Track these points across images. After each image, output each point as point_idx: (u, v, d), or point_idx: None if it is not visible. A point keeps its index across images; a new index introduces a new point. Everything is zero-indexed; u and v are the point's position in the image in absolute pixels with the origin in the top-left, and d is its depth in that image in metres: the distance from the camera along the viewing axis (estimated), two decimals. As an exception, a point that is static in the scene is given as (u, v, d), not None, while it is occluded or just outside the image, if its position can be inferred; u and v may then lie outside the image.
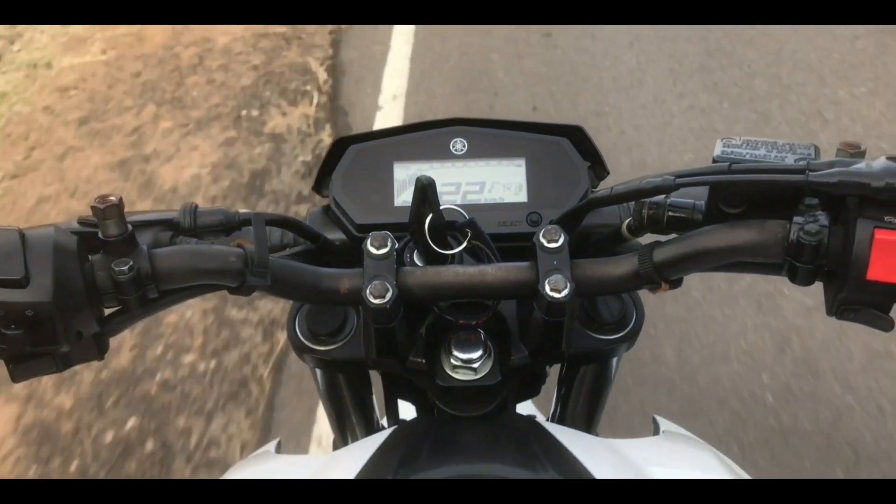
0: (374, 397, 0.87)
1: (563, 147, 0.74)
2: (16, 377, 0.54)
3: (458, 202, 0.71)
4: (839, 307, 0.53)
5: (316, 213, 0.76)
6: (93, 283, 0.53)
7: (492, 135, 0.75)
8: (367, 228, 0.63)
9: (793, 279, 0.54)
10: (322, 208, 0.76)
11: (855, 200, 0.50)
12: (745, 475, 0.66)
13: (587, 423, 0.82)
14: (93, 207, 0.52)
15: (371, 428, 0.85)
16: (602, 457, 0.61)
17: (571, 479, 0.55)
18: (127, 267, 0.52)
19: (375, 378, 0.83)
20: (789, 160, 0.56)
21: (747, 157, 0.57)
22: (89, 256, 0.54)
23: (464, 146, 0.74)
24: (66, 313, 0.51)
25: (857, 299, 0.52)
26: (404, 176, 0.73)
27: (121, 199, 0.53)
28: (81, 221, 0.56)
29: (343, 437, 0.86)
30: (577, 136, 0.75)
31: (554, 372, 0.85)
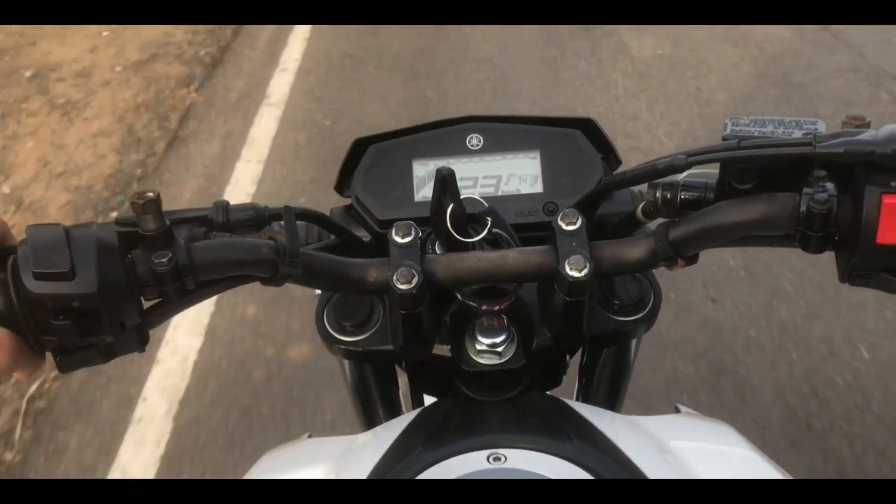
0: (399, 392, 0.89)
1: (575, 139, 0.76)
2: (63, 368, 0.56)
3: (477, 195, 0.74)
4: (851, 273, 0.55)
5: (338, 212, 0.79)
6: (134, 276, 0.55)
7: (506, 130, 0.77)
8: (388, 224, 0.65)
9: (805, 248, 0.56)
10: (343, 207, 0.79)
11: (862, 168, 0.52)
12: (763, 455, 0.67)
13: (609, 405, 0.84)
14: (132, 203, 0.55)
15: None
16: (625, 431, 0.63)
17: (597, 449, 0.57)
18: (166, 259, 0.55)
19: (401, 375, 0.86)
20: (796, 135, 0.58)
21: (755, 134, 0.59)
22: (130, 252, 0.56)
23: (479, 141, 0.76)
24: (110, 304, 0.53)
25: (868, 264, 0.54)
26: (423, 172, 0.75)
27: (158, 195, 0.55)
28: (119, 221, 0.59)
29: (370, 427, 0.88)
30: (589, 129, 0.77)
31: (574, 363, 0.87)
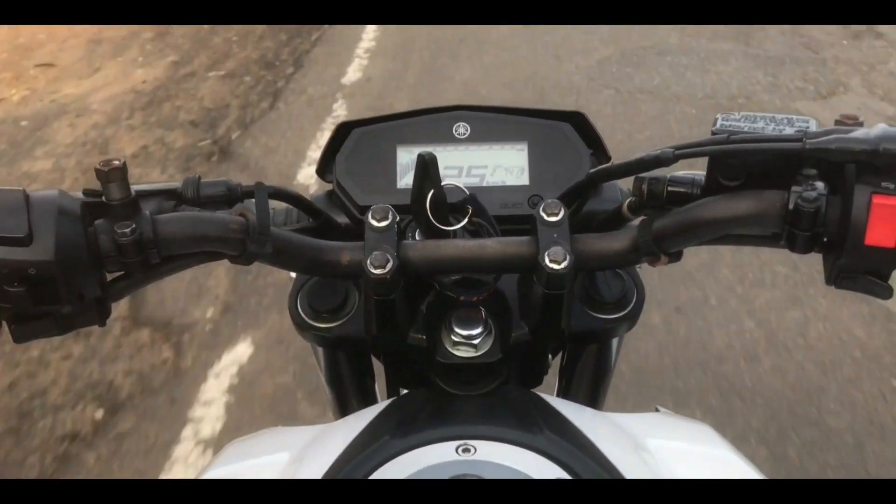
0: (376, 385, 0.87)
1: (564, 132, 0.75)
2: (17, 338, 0.54)
3: (460, 184, 0.72)
4: (838, 275, 0.53)
5: (319, 197, 0.77)
6: (96, 246, 0.53)
7: (494, 119, 0.75)
8: (369, 209, 0.63)
9: (792, 248, 0.54)
10: (326, 192, 0.77)
11: (852, 167, 0.51)
12: (742, 456, 0.66)
13: (590, 404, 0.82)
14: (97, 170, 0.53)
15: None
16: (602, 428, 0.61)
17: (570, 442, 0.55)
18: (129, 230, 0.53)
19: (378, 367, 0.84)
20: (787, 131, 0.56)
21: (746, 129, 0.57)
22: (94, 222, 0.54)
23: (466, 130, 0.75)
24: (68, 273, 0.52)
25: (855, 266, 0.52)
26: (407, 159, 0.74)
27: (125, 163, 0.53)
28: (86, 191, 0.57)
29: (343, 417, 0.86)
30: (578, 122, 0.75)
31: (556, 362, 0.85)
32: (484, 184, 0.73)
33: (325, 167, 0.76)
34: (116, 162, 0.53)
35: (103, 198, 0.53)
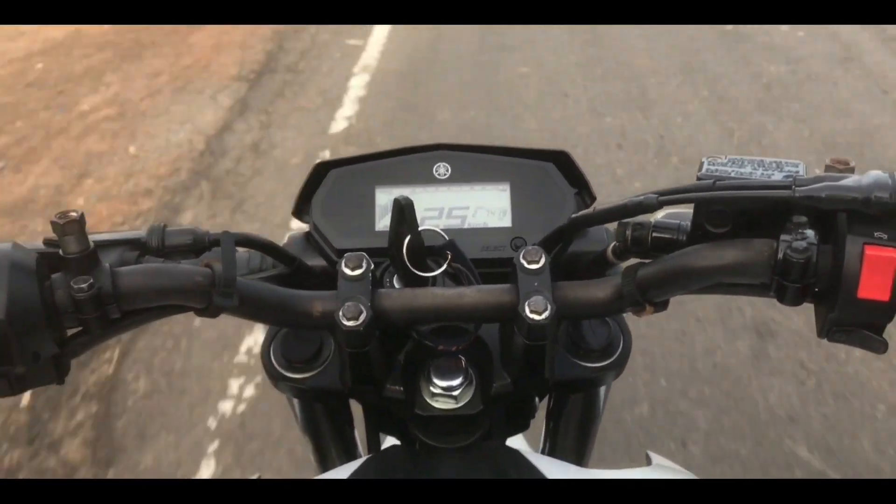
0: (355, 431, 0.84)
1: (548, 172, 0.72)
2: None
3: (441, 227, 0.70)
4: (830, 328, 0.50)
5: (296, 238, 0.74)
6: (52, 303, 0.51)
7: (476, 159, 0.73)
8: (346, 253, 0.61)
9: (781, 300, 0.52)
10: (304, 234, 0.75)
11: (844, 216, 0.48)
12: None
13: (577, 455, 0.79)
14: (53, 223, 0.50)
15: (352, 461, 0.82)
16: None
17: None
18: (87, 285, 0.50)
19: (357, 410, 0.81)
20: (776, 177, 0.54)
21: (733, 174, 0.55)
22: (50, 276, 0.52)
23: (447, 170, 0.73)
24: (21, 333, 0.49)
25: (848, 319, 0.49)
26: (386, 201, 0.71)
27: (82, 215, 0.51)
28: (46, 241, 0.54)
29: (324, 469, 0.82)
30: (562, 162, 0.73)
31: (543, 406, 0.82)
32: (465, 225, 0.71)
33: (301, 208, 0.74)
34: (73, 213, 0.51)
35: (60, 251, 0.51)
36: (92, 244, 0.51)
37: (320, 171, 0.73)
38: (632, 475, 0.64)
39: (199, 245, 0.59)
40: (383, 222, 0.70)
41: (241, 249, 0.68)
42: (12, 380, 0.51)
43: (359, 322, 0.55)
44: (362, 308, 0.55)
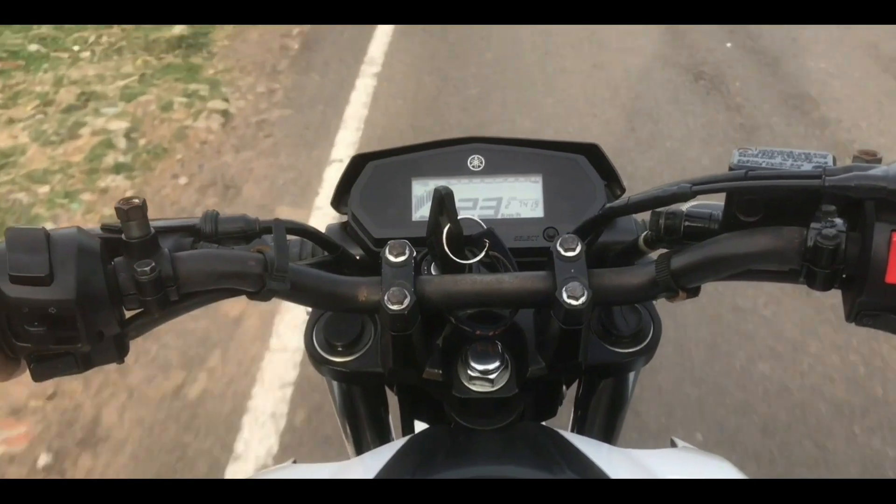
0: (390, 417, 0.87)
1: (579, 164, 0.75)
2: (36, 376, 0.54)
3: (475, 217, 0.72)
4: (858, 312, 0.53)
5: (334, 228, 0.77)
6: (115, 284, 0.53)
7: (508, 152, 0.75)
8: (384, 242, 0.64)
9: (811, 285, 0.54)
10: (340, 224, 0.77)
11: (872, 205, 0.50)
12: None
13: (605, 438, 0.81)
14: (117, 208, 0.53)
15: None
16: (620, 464, 0.61)
17: (590, 478, 0.54)
18: (149, 268, 0.53)
19: (392, 399, 0.83)
20: (806, 168, 0.56)
21: (763, 165, 0.57)
22: (112, 259, 0.55)
23: (481, 163, 0.75)
24: (88, 312, 0.52)
25: (876, 304, 0.51)
26: (422, 192, 0.74)
27: (144, 201, 0.54)
28: (105, 227, 0.57)
29: (359, 452, 0.85)
30: (593, 154, 0.75)
31: (571, 393, 0.84)
32: (498, 216, 0.73)
33: (339, 199, 0.76)
34: (136, 200, 0.53)
35: (122, 235, 0.54)
36: (152, 230, 0.54)
37: (358, 164, 0.75)
38: (660, 454, 0.67)
39: (249, 231, 0.62)
40: (420, 213, 0.73)
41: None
42: (79, 357, 0.54)
43: (403, 306, 0.57)
44: (406, 293, 0.58)
